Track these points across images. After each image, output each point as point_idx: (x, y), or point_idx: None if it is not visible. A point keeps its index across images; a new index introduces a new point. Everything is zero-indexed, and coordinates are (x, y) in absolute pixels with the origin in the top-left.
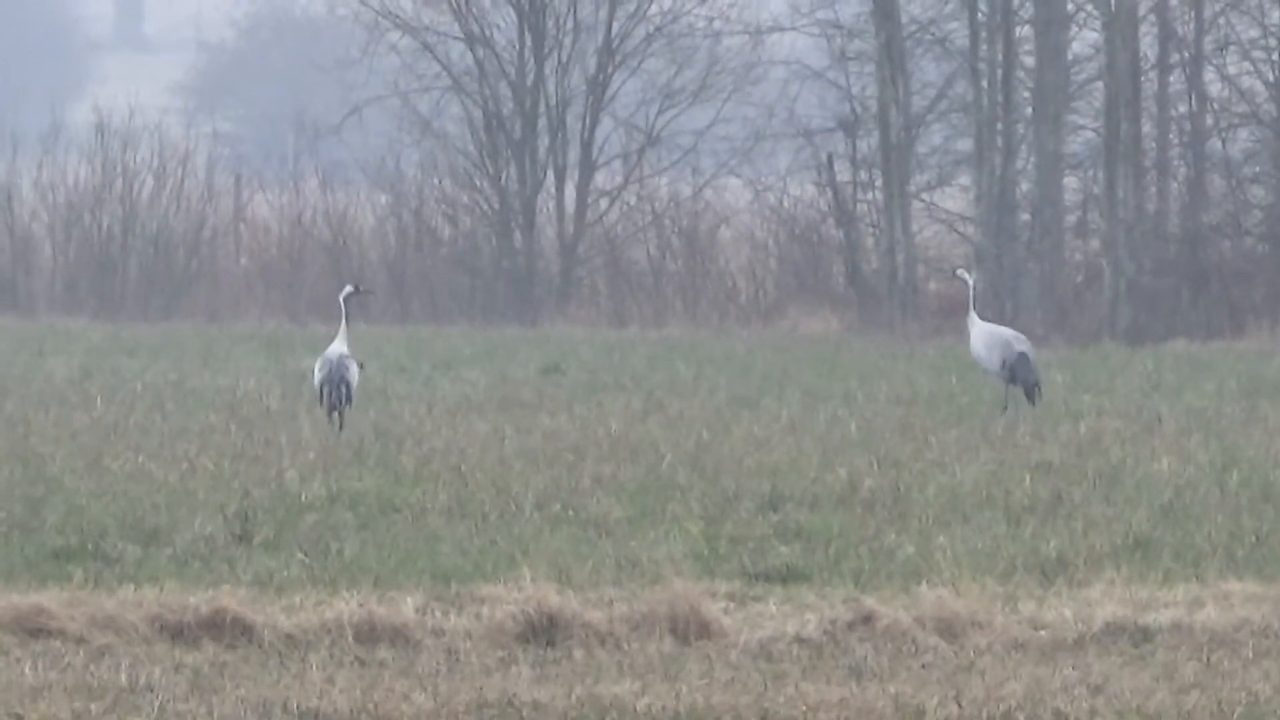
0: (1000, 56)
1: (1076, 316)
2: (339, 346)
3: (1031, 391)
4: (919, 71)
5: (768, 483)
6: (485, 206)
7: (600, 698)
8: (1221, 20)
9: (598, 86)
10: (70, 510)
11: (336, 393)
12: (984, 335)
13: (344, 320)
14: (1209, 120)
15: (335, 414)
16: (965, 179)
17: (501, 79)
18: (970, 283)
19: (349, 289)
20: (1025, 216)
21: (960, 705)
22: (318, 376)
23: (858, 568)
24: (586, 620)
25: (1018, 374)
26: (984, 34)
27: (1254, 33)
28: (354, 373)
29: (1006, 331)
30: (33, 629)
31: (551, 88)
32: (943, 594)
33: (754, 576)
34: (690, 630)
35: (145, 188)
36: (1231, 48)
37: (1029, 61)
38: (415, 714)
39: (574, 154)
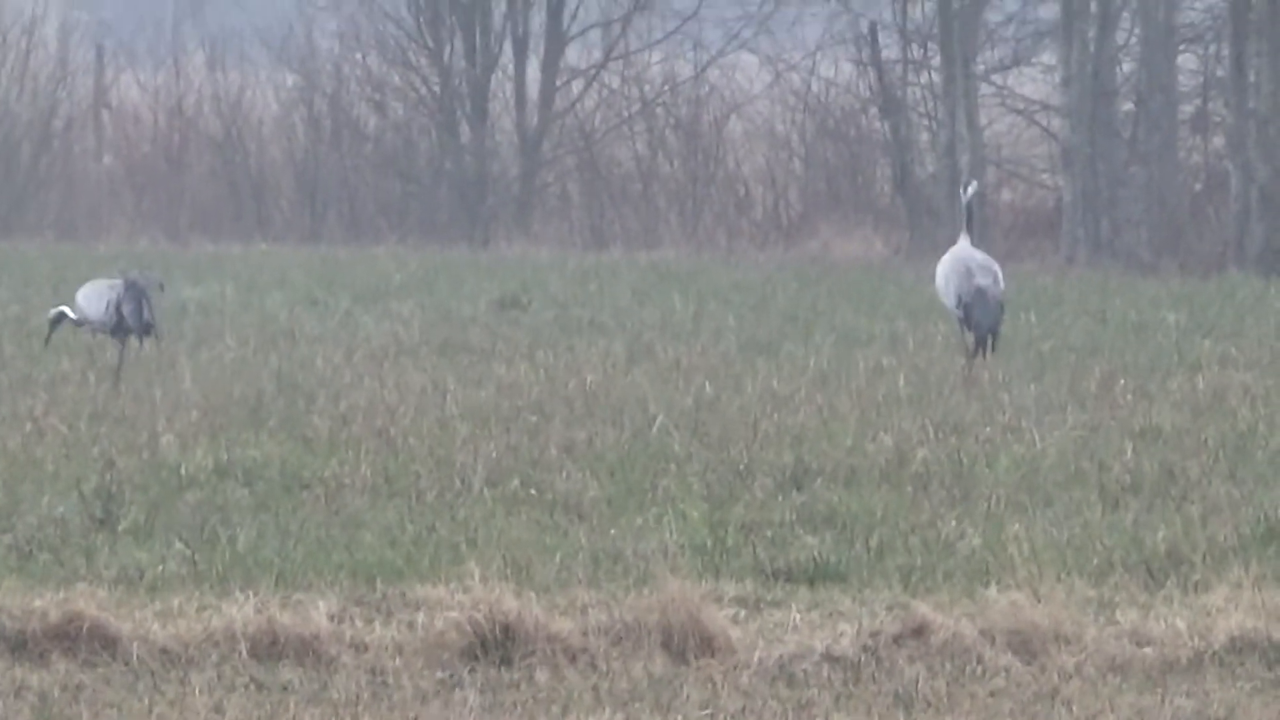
0: None
1: (1193, 237)
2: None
3: (983, 340)
4: None
5: (790, 453)
6: (423, 90)
7: None
8: None
9: None
10: None
11: (145, 309)
12: (946, 261)
13: None
14: None
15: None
16: (1049, 57)
17: None
18: (965, 198)
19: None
20: (1127, 106)
21: None
22: (107, 297)
23: (907, 565)
24: (553, 632)
25: (971, 315)
26: None
27: None
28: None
29: (975, 257)
30: None
31: None
32: (1017, 599)
33: (772, 576)
34: (689, 645)
35: None
36: None
37: None
38: None
39: (538, 22)
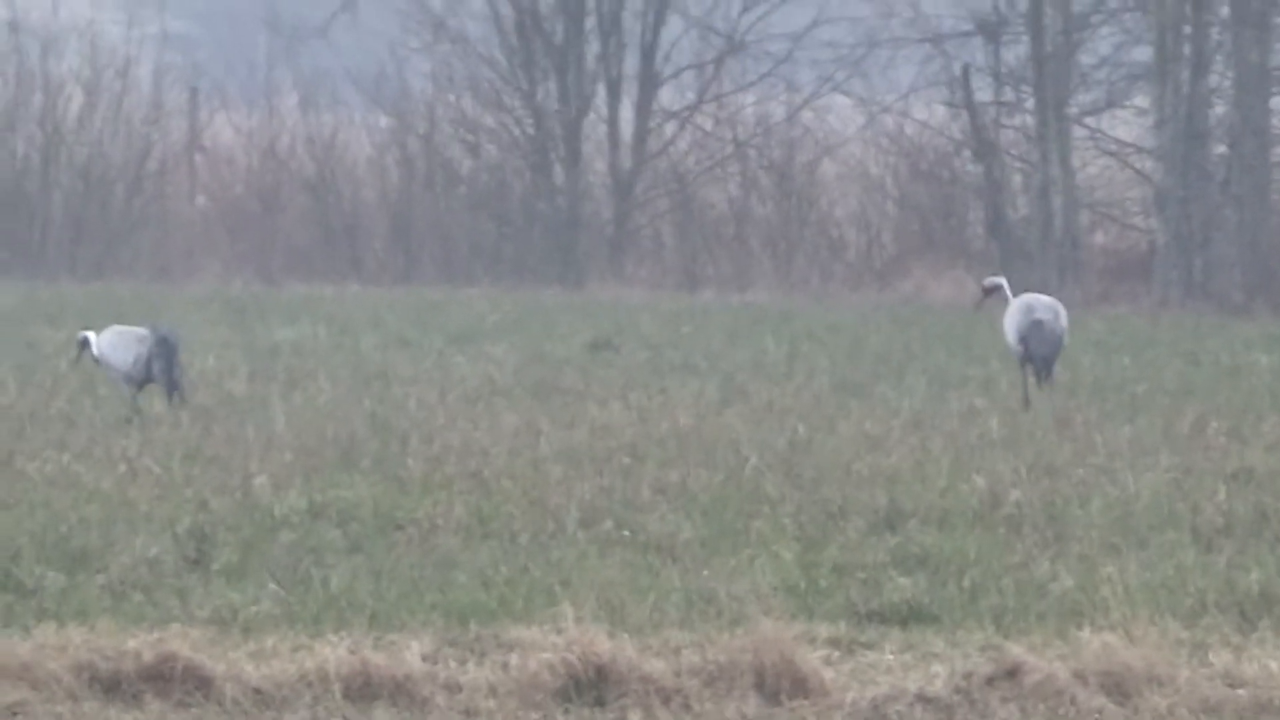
0: None
1: None
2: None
3: (1040, 369)
4: None
5: (883, 495)
6: (516, 132)
7: None
8: None
9: None
10: None
11: (175, 367)
12: (1012, 305)
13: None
14: None
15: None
16: (1142, 99)
17: None
18: (1006, 289)
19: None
20: (1221, 149)
21: None
22: (135, 350)
23: (1000, 606)
24: (646, 673)
25: (1030, 344)
26: None
27: None
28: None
29: (1039, 299)
30: None
31: None
32: (1110, 640)
33: (865, 617)
34: (782, 686)
35: (73, 105)
36: None
37: None
38: None
39: (632, 64)
